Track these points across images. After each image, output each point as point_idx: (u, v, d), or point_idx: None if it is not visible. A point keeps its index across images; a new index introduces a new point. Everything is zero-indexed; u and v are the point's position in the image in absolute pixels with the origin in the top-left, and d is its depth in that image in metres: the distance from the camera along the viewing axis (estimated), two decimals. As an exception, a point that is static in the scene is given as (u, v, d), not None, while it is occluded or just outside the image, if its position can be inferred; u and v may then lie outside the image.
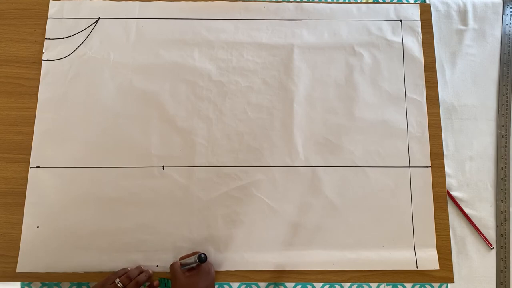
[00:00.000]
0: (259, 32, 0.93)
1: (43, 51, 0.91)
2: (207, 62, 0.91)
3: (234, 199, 0.84)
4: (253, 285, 0.82)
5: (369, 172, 0.86)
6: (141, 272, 0.79)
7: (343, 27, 0.94)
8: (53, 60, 0.91)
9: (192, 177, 0.85)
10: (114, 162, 0.85)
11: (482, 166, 0.90)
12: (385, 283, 0.83)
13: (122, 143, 0.86)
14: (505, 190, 0.88)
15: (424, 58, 0.93)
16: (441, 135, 0.89)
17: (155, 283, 0.80)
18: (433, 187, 0.86)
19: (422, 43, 0.94)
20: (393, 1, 0.97)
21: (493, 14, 0.98)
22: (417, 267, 0.82)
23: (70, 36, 0.92)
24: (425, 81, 0.91)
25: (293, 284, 0.82)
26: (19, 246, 0.81)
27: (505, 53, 0.96)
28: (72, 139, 0.87)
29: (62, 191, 0.84)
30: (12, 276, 0.81)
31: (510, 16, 0.98)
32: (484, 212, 0.88)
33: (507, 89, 0.94)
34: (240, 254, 0.82)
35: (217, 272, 0.81)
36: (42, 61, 0.90)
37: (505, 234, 0.86)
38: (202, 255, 0.73)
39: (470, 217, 0.87)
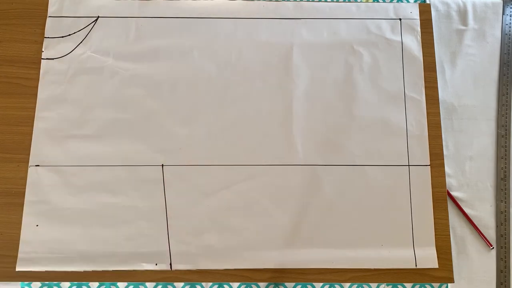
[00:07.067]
0: (258, 31, 0.94)
1: (43, 49, 0.91)
2: (206, 61, 0.91)
3: (234, 198, 0.84)
4: (253, 285, 0.82)
5: (368, 171, 0.86)
6: None
7: (342, 26, 0.94)
8: (53, 58, 0.91)
9: (192, 176, 0.85)
10: (113, 160, 0.85)
11: (482, 166, 0.90)
12: (385, 283, 0.82)
13: (121, 142, 0.86)
14: (505, 190, 0.88)
15: (424, 58, 0.92)
16: (441, 135, 0.89)
17: None
18: (433, 187, 0.85)
19: (422, 43, 0.93)
20: (393, 0, 0.98)
21: (493, 14, 0.98)
22: (416, 265, 0.82)
23: (69, 34, 0.92)
24: (425, 81, 0.91)
25: (293, 284, 0.82)
26: (19, 246, 0.81)
27: (505, 53, 0.96)
28: (71, 137, 0.87)
29: (62, 190, 0.84)
30: (12, 276, 0.80)
31: (510, 16, 0.98)
32: (484, 212, 0.88)
33: (507, 89, 0.94)
34: (240, 253, 0.82)
35: (217, 272, 0.81)
36: (42, 60, 0.90)
37: (505, 234, 0.86)
38: None
39: (470, 217, 0.87)
